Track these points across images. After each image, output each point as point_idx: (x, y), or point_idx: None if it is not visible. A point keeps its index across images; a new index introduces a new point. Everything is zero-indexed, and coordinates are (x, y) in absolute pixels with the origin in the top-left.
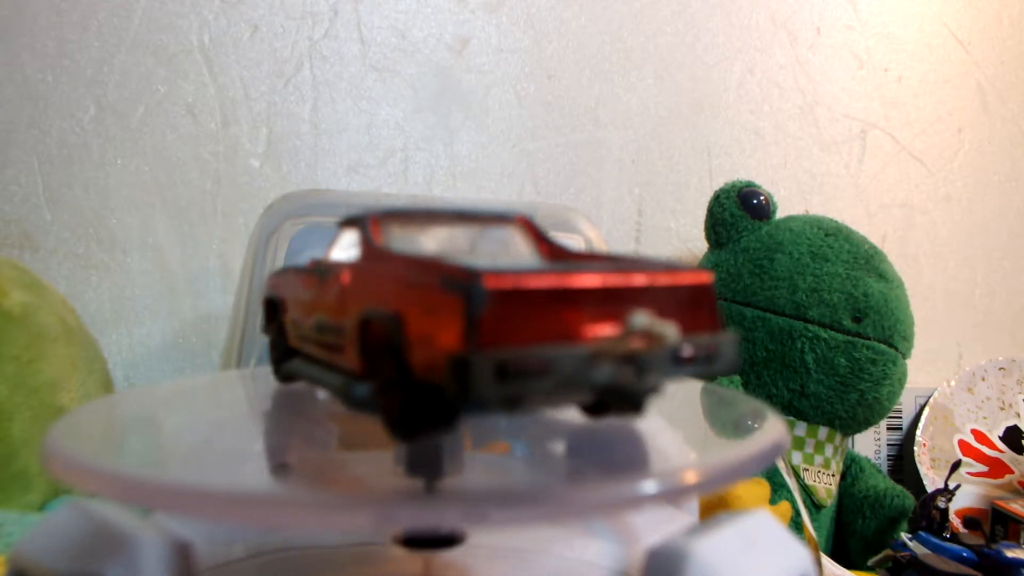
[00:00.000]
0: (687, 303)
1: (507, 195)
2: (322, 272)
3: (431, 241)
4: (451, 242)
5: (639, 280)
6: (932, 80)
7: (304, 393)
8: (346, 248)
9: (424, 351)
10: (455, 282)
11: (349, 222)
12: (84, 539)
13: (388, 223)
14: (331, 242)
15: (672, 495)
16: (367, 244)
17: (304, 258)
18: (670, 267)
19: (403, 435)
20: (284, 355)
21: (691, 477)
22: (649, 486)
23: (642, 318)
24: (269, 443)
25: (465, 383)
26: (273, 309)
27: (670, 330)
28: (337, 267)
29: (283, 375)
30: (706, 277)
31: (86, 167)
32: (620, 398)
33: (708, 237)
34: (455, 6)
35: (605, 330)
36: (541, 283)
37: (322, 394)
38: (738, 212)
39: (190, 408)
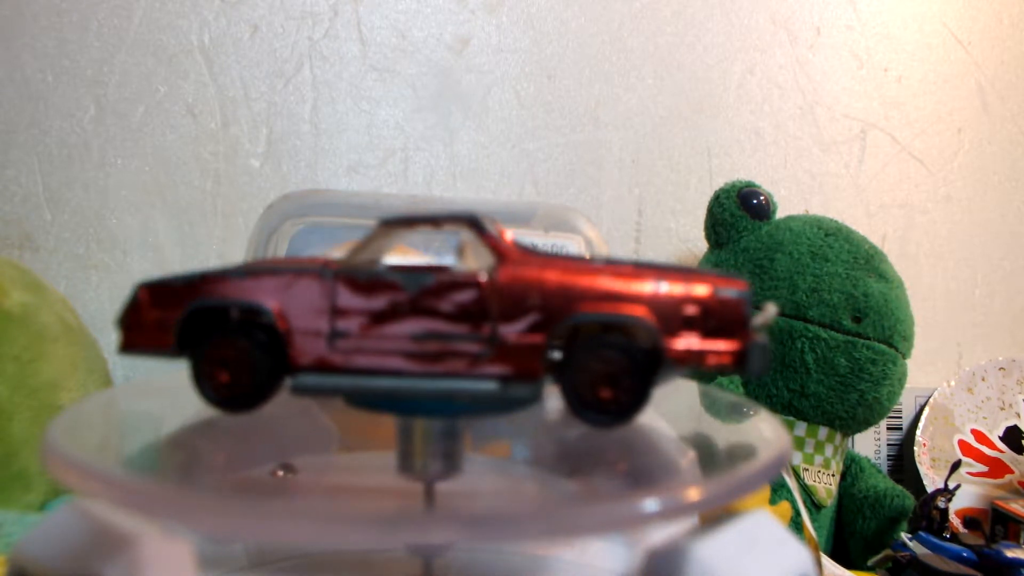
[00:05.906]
0: None
1: (507, 195)
2: (413, 278)
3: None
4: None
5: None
6: (932, 80)
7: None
8: (436, 252)
9: (691, 345)
10: (733, 289)
11: (404, 222)
12: (84, 539)
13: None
14: (371, 243)
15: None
16: (506, 249)
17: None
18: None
19: (618, 421)
20: (273, 374)
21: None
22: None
23: (774, 307)
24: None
25: (763, 363)
26: (226, 319)
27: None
28: (453, 273)
29: (257, 398)
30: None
31: (86, 167)
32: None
33: (708, 237)
34: (455, 6)
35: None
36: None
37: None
38: (738, 212)
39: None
